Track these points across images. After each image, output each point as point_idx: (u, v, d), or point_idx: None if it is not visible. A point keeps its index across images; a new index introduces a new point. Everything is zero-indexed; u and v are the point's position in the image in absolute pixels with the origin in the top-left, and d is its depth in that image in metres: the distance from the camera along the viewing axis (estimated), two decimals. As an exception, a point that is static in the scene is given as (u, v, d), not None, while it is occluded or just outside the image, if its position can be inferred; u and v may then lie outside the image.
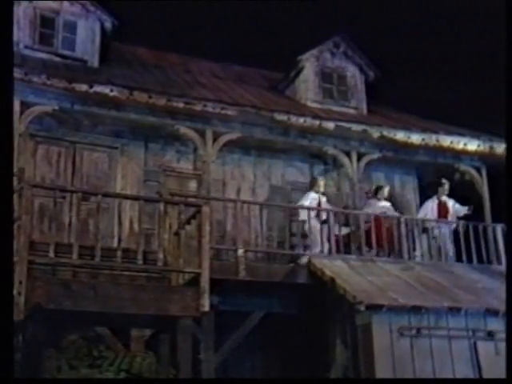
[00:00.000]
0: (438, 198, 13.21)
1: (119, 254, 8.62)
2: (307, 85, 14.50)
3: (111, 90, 11.34)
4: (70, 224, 10.79)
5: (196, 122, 11.92)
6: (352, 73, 14.90)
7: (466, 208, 13.03)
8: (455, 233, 12.65)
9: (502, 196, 10.82)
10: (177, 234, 9.69)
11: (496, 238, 12.52)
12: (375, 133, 13.05)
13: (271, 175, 13.43)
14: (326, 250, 11.31)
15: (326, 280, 10.14)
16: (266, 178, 13.36)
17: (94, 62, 13.08)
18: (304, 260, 10.95)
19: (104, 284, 8.66)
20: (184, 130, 11.90)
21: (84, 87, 11.19)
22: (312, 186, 12.40)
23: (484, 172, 13.90)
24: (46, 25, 13.02)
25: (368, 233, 11.69)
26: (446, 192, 13.26)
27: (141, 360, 8.66)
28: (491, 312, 9.67)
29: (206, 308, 8.74)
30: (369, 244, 11.66)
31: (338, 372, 10.20)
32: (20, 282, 7.76)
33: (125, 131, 12.29)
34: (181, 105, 11.76)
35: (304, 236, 11.64)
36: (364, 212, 12.36)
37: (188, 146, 12.64)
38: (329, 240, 11.30)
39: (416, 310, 9.41)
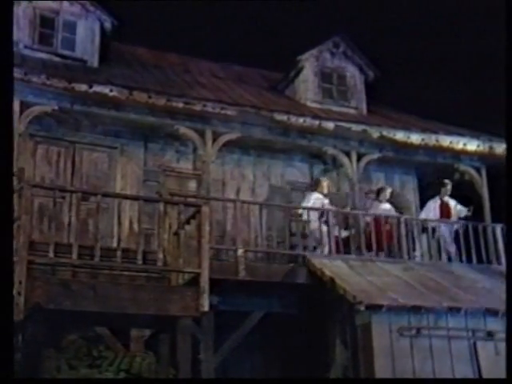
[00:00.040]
0: (441, 199, 13.22)
1: (119, 254, 8.62)
2: (307, 85, 14.50)
3: (111, 90, 11.34)
4: (69, 224, 10.78)
5: (195, 122, 11.92)
6: (352, 73, 14.90)
7: (467, 209, 13.04)
8: (455, 233, 12.66)
9: (501, 196, 10.82)
10: (176, 233, 9.69)
11: (496, 238, 12.51)
12: (375, 133, 13.05)
13: (271, 175, 13.43)
14: (331, 250, 11.36)
15: (326, 280, 10.14)
16: (265, 178, 13.36)
17: (94, 61, 13.08)
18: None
19: (104, 284, 8.66)
20: (183, 129, 11.91)
21: (83, 87, 11.19)
22: (316, 186, 12.41)
23: (484, 172, 13.90)
24: (45, 25, 13.02)
25: (369, 235, 11.70)
26: (449, 192, 13.26)
27: (140, 360, 8.65)
28: (491, 312, 9.66)
29: (206, 308, 8.74)
30: (369, 246, 11.66)
31: (338, 372, 10.19)
32: (20, 282, 7.76)
33: (124, 131, 12.29)
34: (180, 105, 11.76)
35: (304, 236, 11.65)
36: (363, 212, 12.36)
37: (187, 146, 12.64)
38: (329, 240, 11.30)
39: (416, 309, 9.40)
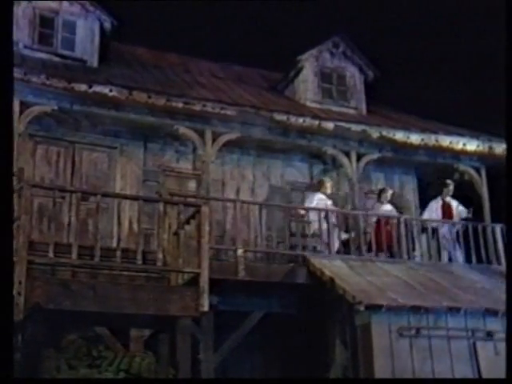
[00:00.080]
0: (443, 199, 13.22)
1: (118, 254, 8.61)
2: (306, 85, 14.50)
3: (110, 90, 11.34)
4: (69, 224, 10.77)
5: (195, 121, 11.93)
6: (351, 73, 14.90)
7: (467, 211, 13.05)
8: (456, 233, 12.66)
9: (501, 196, 10.82)
10: (176, 233, 9.68)
11: (495, 238, 12.51)
12: (374, 133, 13.05)
13: (270, 175, 13.43)
14: (339, 251, 11.42)
15: (326, 280, 10.13)
16: (265, 178, 13.36)
17: (94, 61, 13.08)
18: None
19: (103, 284, 8.65)
20: (183, 129, 11.91)
21: (83, 87, 11.20)
22: (319, 187, 12.41)
23: (483, 172, 13.90)
24: (45, 25, 13.03)
25: (370, 236, 11.73)
26: (451, 193, 13.26)
27: (140, 360, 8.65)
28: (490, 312, 9.66)
29: (206, 308, 8.73)
30: (371, 247, 11.69)
31: (338, 372, 10.20)
32: (19, 282, 7.75)
33: (124, 131, 12.29)
34: (180, 105, 11.77)
35: (304, 236, 11.66)
36: (365, 213, 12.37)
37: (187, 146, 12.64)
38: (329, 241, 11.32)
39: (415, 310, 9.40)
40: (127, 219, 11.72)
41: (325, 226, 11.40)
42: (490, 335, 9.58)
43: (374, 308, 9.19)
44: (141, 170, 12.43)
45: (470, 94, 25.76)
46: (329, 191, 12.37)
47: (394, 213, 12.71)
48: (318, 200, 12.08)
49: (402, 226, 11.90)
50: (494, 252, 12.41)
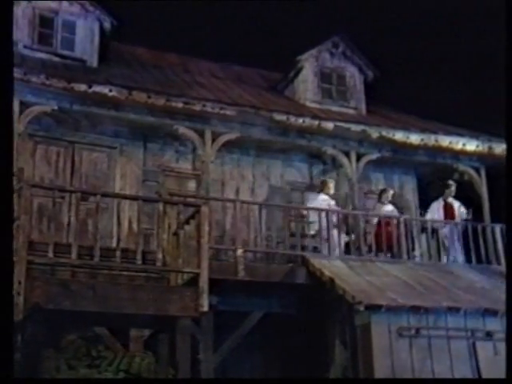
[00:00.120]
0: (444, 200, 13.22)
1: (118, 254, 8.61)
2: (306, 85, 14.51)
3: (110, 90, 11.34)
4: (68, 224, 10.77)
5: (195, 121, 11.93)
6: (351, 73, 14.90)
7: (466, 212, 13.05)
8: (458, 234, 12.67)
9: (500, 196, 10.82)
10: (176, 234, 9.68)
11: (495, 238, 12.51)
12: (374, 133, 13.05)
13: (270, 175, 13.43)
14: (340, 251, 11.44)
15: (325, 280, 10.14)
16: (265, 178, 13.36)
17: (93, 61, 13.08)
18: None
19: (103, 284, 8.64)
20: (183, 129, 11.91)
21: (83, 87, 11.20)
22: (322, 187, 12.42)
23: (483, 172, 13.90)
24: (44, 25, 13.03)
25: (372, 237, 11.76)
26: (453, 194, 13.26)
27: (140, 360, 8.65)
28: (490, 312, 9.66)
29: (205, 308, 8.72)
30: (371, 248, 11.71)
31: (337, 372, 10.20)
32: (19, 282, 7.74)
33: (124, 131, 12.29)
34: (180, 105, 11.77)
35: (304, 236, 11.66)
36: (365, 213, 12.38)
37: (187, 146, 12.64)
38: (329, 241, 11.32)
39: (415, 310, 9.40)
40: (127, 219, 11.72)
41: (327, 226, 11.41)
42: (489, 335, 9.58)
43: (373, 308, 9.19)
44: (140, 170, 12.44)
45: (470, 94, 25.78)
46: (332, 192, 12.38)
47: (395, 213, 12.72)
48: (321, 201, 12.08)
49: (402, 225, 11.91)
50: (494, 252, 12.42)
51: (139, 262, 8.69)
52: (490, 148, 13.74)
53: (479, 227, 12.37)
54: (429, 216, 13.06)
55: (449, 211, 13.10)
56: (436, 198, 13.38)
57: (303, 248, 11.38)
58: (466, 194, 13.65)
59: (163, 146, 12.69)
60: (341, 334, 10.23)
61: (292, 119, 12.53)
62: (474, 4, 25.93)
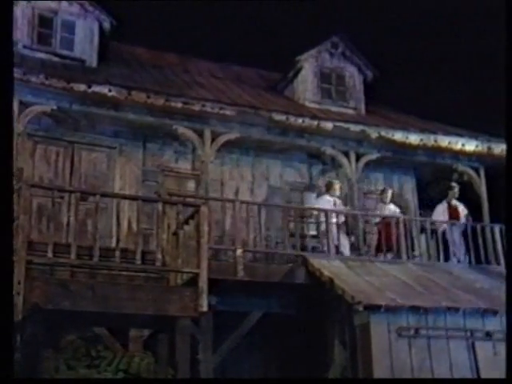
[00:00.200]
0: (448, 202, 13.21)
1: (117, 254, 8.60)
2: (306, 85, 14.51)
3: (109, 90, 11.34)
4: (68, 224, 10.71)
5: (194, 122, 11.93)
6: (350, 73, 14.91)
7: (464, 215, 13.07)
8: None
9: (500, 196, 10.83)
10: (175, 234, 9.68)
11: (494, 238, 12.51)
12: (373, 133, 13.05)
13: (269, 175, 13.43)
14: (346, 251, 11.47)
15: (325, 280, 10.13)
16: (264, 178, 13.36)
17: (93, 61, 13.08)
18: None
19: (102, 284, 8.64)
20: (182, 130, 11.91)
21: (82, 87, 11.20)
22: (328, 189, 12.42)
23: (482, 172, 13.91)
24: (44, 24, 13.03)
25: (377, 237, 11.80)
26: (456, 195, 13.25)
27: (139, 360, 8.65)
28: (489, 312, 9.66)
29: (205, 308, 8.73)
30: (379, 247, 11.74)
31: (337, 372, 10.19)
32: (18, 282, 7.74)
33: (123, 131, 12.29)
34: (179, 105, 11.77)
35: (303, 236, 11.66)
36: (363, 212, 12.38)
37: (186, 146, 12.64)
38: (327, 241, 11.33)
39: (414, 310, 9.40)
40: (126, 219, 11.69)
41: (332, 227, 11.41)
42: (488, 335, 9.57)
43: (372, 308, 9.19)
44: (140, 170, 12.43)
45: (470, 94, 25.80)
46: (338, 193, 12.36)
47: (398, 212, 12.74)
48: (326, 202, 12.07)
49: (402, 225, 11.90)
50: (493, 252, 12.42)
51: (138, 262, 8.69)
52: (489, 148, 13.75)
53: (478, 227, 12.37)
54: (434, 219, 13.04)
55: (454, 213, 13.08)
56: (436, 198, 13.38)
57: (303, 248, 11.37)
58: (466, 195, 13.66)
59: (162, 146, 12.69)
60: (340, 334, 10.23)
61: (291, 119, 12.53)
62: (473, 4, 25.95)
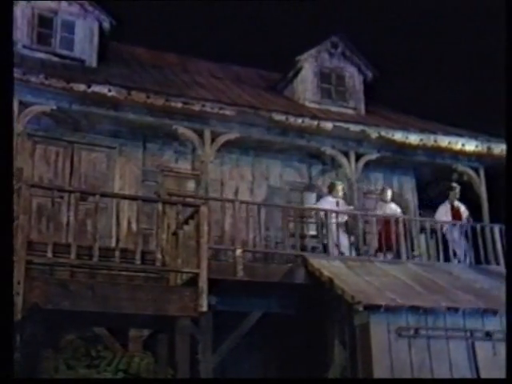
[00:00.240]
0: (450, 203, 13.20)
1: (117, 254, 8.61)
2: (305, 85, 14.51)
3: (109, 90, 11.34)
4: (67, 224, 10.73)
5: (194, 122, 11.92)
6: (350, 73, 14.91)
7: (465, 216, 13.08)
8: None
9: (499, 196, 10.83)
10: (175, 234, 9.68)
11: (494, 238, 12.51)
12: (373, 133, 13.05)
13: (269, 175, 13.43)
14: (346, 251, 11.49)
15: (324, 280, 10.13)
16: (264, 178, 13.36)
17: (92, 61, 13.08)
18: None
19: (102, 284, 8.64)
20: (182, 130, 11.90)
21: (82, 87, 11.19)
22: (330, 190, 12.42)
23: (482, 172, 13.90)
24: (44, 24, 13.03)
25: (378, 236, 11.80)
26: (458, 196, 13.25)
27: (139, 360, 8.65)
28: (489, 312, 9.66)
29: (204, 308, 8.73)
30: (380, 247, 11.75)
31: (336, 372, 10.19)
32: (18, 282, 7.74)
33: (123, 131, 12.29)
34: (179, 105, 11.76)
35: (303, 236, 11.66)
36: (363, 212, 12.38)
37: (186, 146, 12.64)
38: (328, 241, 11.33)
39: (414, 310, 9.40)
40: (126, 219, 11.69)
41: (332, 227, 11.41)
42: (488, 335, 9.57)
43: (372, 308, 9.19)
44: (140, 170, 12.43)
45: (470, 94, 25.79)
46: (340, 194, 12.35)
47: (399, 211, 12.74)
48: (328, 203, 12.07)
49: (401, 225, 11.90)
50: (493, 252, 12.42)
51: (138, 261, 8.69)
52: (488, 148, 13.75)
53: (478, 227, 12.37)
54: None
55: (456, 214, 13.07)
56: (435, 199, 13.37)
57: (303, 248, 11.37)
58: (466, 195, 13.65)
59: (162, 146, 12.69)
60: (340, 334, 10.22)
61: (291, 119, 12.53)
62: (473, 4, 25.94)
